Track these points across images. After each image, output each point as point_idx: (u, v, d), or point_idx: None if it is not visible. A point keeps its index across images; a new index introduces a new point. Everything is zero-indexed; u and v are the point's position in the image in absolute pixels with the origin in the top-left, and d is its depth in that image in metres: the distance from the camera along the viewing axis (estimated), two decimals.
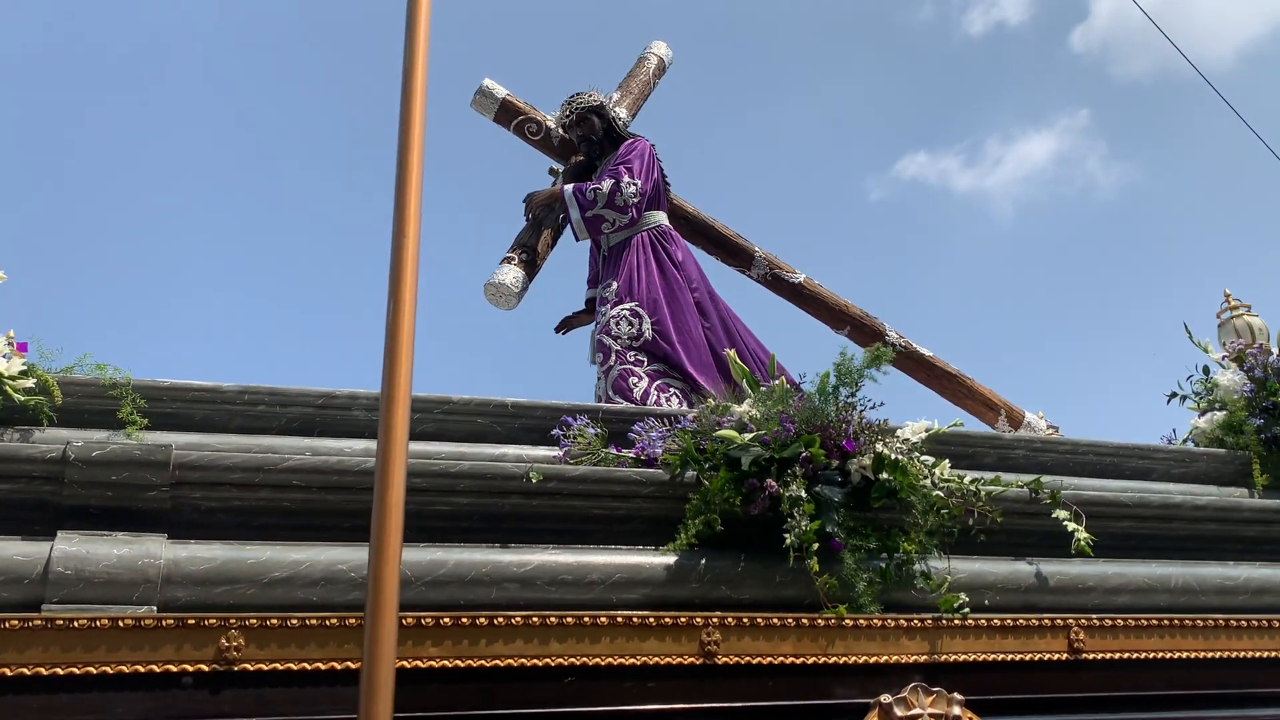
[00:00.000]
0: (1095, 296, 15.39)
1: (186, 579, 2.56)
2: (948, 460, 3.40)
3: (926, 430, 3.60)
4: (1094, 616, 3.17)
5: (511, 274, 4.62)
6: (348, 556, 2.70)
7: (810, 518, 3.00)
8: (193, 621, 2.35)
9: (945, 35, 16.02)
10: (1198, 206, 15.66)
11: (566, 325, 5.13)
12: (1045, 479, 3.55)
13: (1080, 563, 3.45)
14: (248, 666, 2.36)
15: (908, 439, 3.48)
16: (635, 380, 4.33)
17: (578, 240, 4.80)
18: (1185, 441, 4.79)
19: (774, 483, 3.07)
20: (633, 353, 4.41)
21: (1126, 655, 3.14)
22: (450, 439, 3.41)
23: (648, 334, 4.46)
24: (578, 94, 4.99)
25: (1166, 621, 3.23)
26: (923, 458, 3.37)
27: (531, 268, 4.73)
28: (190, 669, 2.33)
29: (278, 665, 2.39)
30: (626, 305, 4.54)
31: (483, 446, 3.40)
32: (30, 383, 2.89)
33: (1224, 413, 4.68)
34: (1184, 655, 3.20)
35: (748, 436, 3.22)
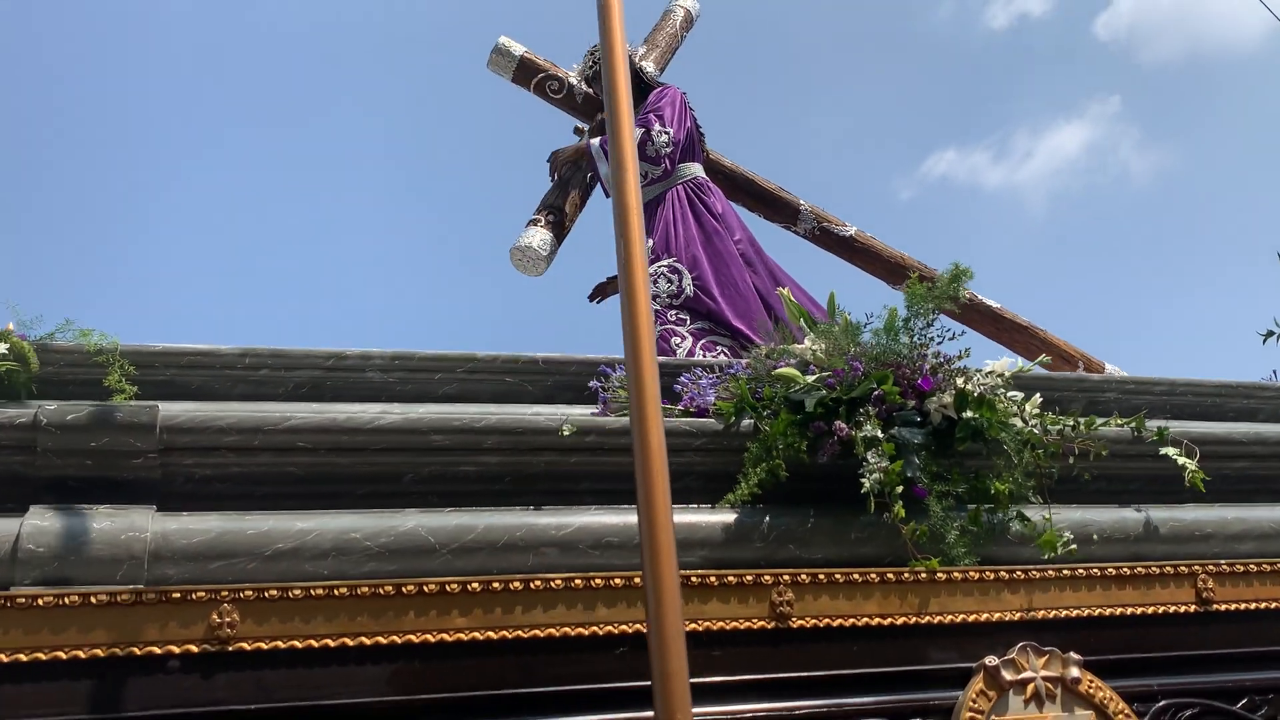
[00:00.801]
0: (1137, 284, 14.85)
1: (178, 554, 2.23)
2: (1039, 395, 2.99)
3: (1011, 368, 3.21)
4: (1223, 563, 2.76)
5: (539, 237, 4.27)
6: (361, 524, 2.36)
7: (890, 459, 2.61)
8: (178, 595, 2.02)
9: (967, 31, 15.61)
10: (1236, 187, 15.08)
11: (601, 293, 4.77)
12: (1167, 423, 3.14)
13: (1195, 508, 3.04)
14: (244, 646, 2.03)
15: (994, 373, 3.09)
16: (679, 340, 3.96)
17: (608, 197, 4.42)
18: None
19: (844, 425, 2.69)
20: (674, 311, 4.05)
21: (1264, 605, 2.72)
22: (476, 400, 3.06)
23: (689, 290, 4.10)
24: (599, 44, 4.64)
25: None
26: (1009, 394, 2.97)
27: (560, 230, 4.38)
28: (177, 650, 1.99)
29: (279, 644, 2.04)
30: (664, 262, 4.18)
31: (513, 407, 3.04)
32: (2, 348, 2.57)
33: None
34: None
35: (810, 378, 2.84)
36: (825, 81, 15.36)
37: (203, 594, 2.03)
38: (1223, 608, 2.68)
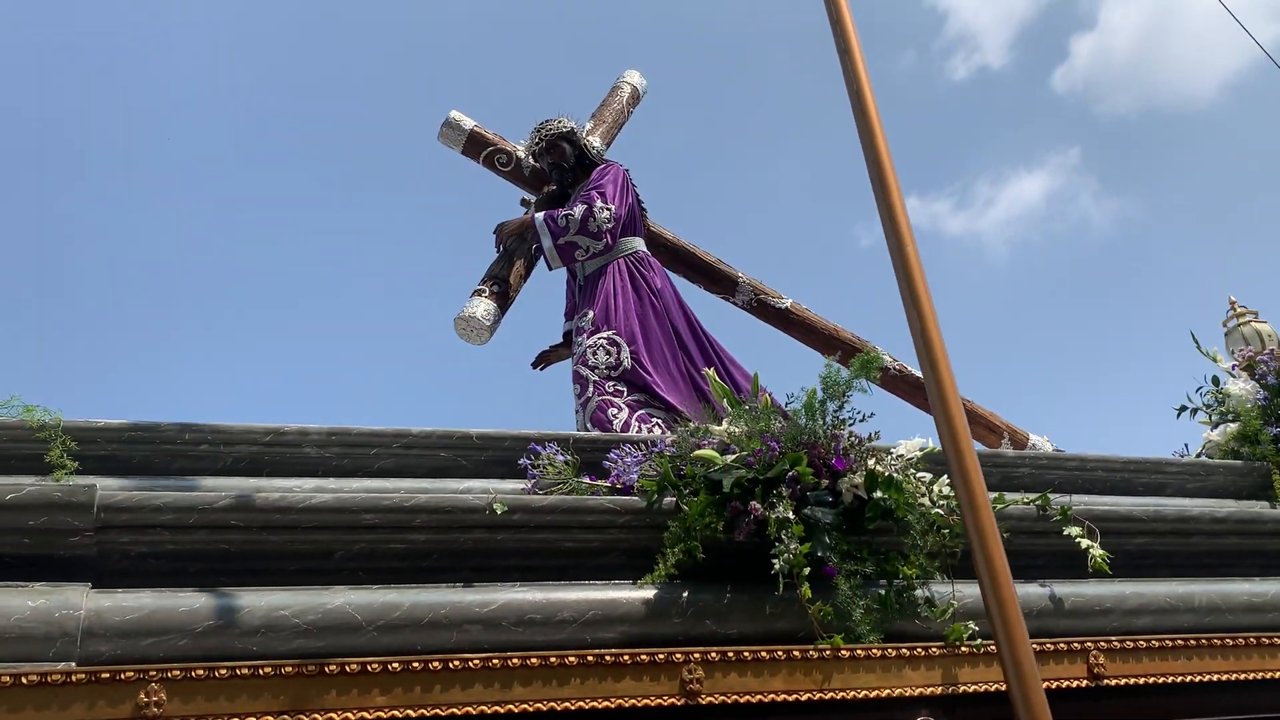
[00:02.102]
0: (1095, 332, 15.23)
1: (110, 631, 2.32)
2: (946, 477, 3.15)
3: (921, 449, 3.37)
4: (1114, 639, 2.91)
5: (483, 307, 4.40)
6: (290, 601, 2.46)
7: (800, 540, 2.75)
8: (107, 675, 2.11)
9: (929, 82, 16.05)
10: (1193, 236, 15.56)
11: (544, 360, 4.91)
12: (1053, 497, 3.32)
13: (1095, 583, 3.20)
14: None
15: (903, 456, 3.25)
16: (615, 411, 4.09)
17: (550, 269, 4.59)
18: (1199, 456, 4.54)
19: (758, 505, 2.83)
20: (611, 383, 4.18)
21: (1152, 679, 2.89)
22: (411, 475, 3.18)
23: (626, 363, 4.24)
24: (547, 120, 4.82)
25: (1194, 641, 2.98)
26: (919, 474, 3.13)
27: (504, 300, 4.52)
28: None
29: None
30: (604, 334, 4.32)
31: (446, 481, 3.15)
32: None
33: (1237, 423, 4.44)
34: (1214, 678, 2.94)
35: (729, 458, 2.99)
36: (787, 129, 15.69)
37: (131, 674, 2.12)
38: (1114, 683, 2.84)
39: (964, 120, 16.26)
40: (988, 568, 2.10)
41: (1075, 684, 2.80)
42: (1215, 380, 4.68)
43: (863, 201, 15.98)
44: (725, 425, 3.11)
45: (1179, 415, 4.84)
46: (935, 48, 16.18)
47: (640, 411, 4.11)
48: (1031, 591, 3.07)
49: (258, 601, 2.44)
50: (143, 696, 2.11)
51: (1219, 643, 2.99)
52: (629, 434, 3.64)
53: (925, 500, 3.04)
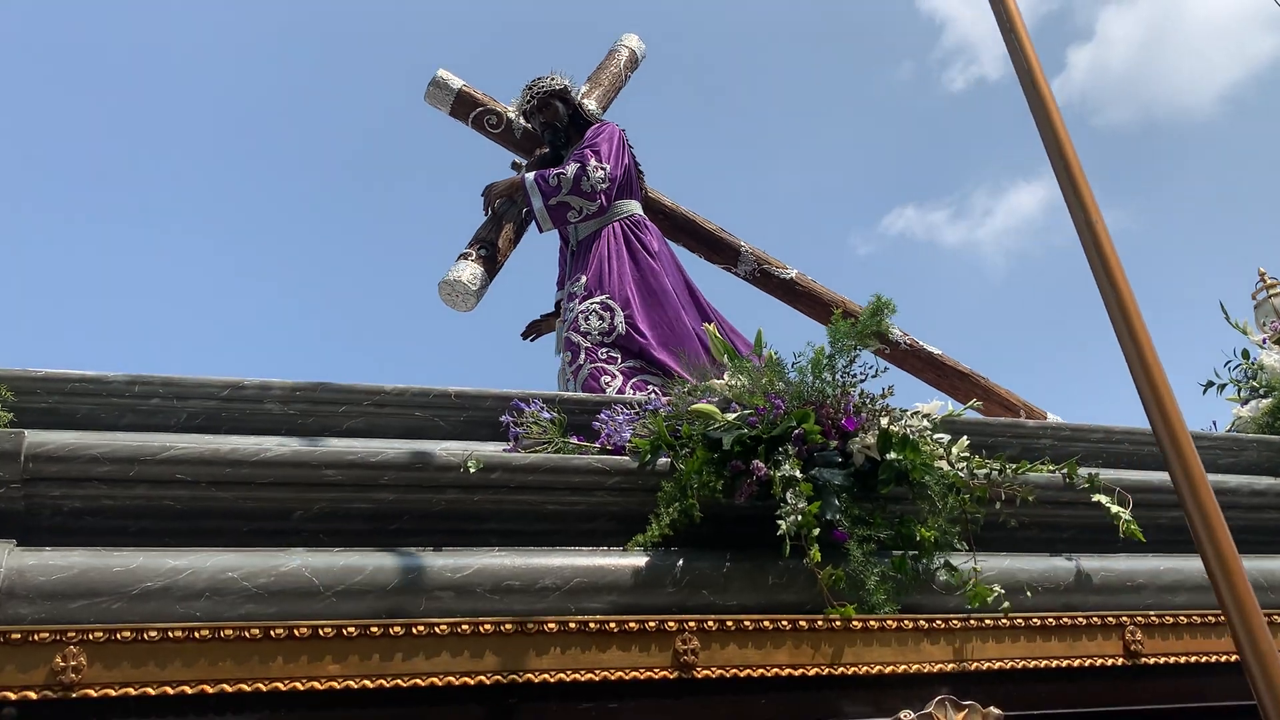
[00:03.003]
0: (1093, 345, 15.01)
1: (34, 592, 2.05)
2: (965, 438, 2.89)
3: (939, 413, 3.11)
4: (1152, 614, 2.65)
5: (469, 271, 4.15)
6: (240, 563, 2.20)
7: (808, 500, 2.50)
8: (18, 637, 1.85)
9: (927, 92, 15.88)
10: (1190, 247, 15.35)
11: (535, 330, 4.65)
12: (1098, 470, 3.05)
13: (1127, 557, 2.94)
14: (90, 692, 1.86)
15: (926, 416, 2.99)
16: (608, 379, 3.83)
17: (541, 232, 4.33)
18: (1229, 433, 4.28)
19: (762, 464, 2.57)
20: (604, 349, 3.93)
21: (1193, 658, 2.62)
22: (384, 435, 2.92)
23: (620, 328, 3.98)
24: (539, 78, 4.57)
25: None
26: (936, 435, 2.87)
27: (492, 264, 4.26)
28: (14, 697, 1.82)
29: (130, 690, 1.88)
30: (597, 299, 4.06)
31: (422, 443, 2.89)
32: None
33: (1270, 398, 4.18)
34: None
35: (731, 416, 2.73)
36: (786, 138, 15.51)
37: (46, 635, 1.86)
38: (1151, 661, 2.58)
39: (962, 131, 16.08)
40: (1211, 542, 1.93)
41: (1110, 662, 2.53)
42: (1245, 354, 4.43)
43: (859, 211, 15.79)
44: (726, 380, 2.86)
45: (1205, 391, 4.58)
46: (933, 58, 16.00)
47: (635, 379, 3.86)
48: (1059, 565, 2.82)
49: (203, 563, 2.18)
50: (59, 661, 1.85)
51: (1272, 619, 2.72)
52: (621, 395, 3.39)
53: (944, 463, 2.78)
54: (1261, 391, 4.28)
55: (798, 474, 2.54)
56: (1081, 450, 3.67)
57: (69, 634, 1.87)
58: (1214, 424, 4.49)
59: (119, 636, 1.89)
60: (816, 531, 2.45)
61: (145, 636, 1.90)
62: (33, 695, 1.82)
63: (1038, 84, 2.46)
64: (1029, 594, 2.68)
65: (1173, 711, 2.54)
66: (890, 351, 4.91)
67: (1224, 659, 2.64)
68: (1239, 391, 4.46)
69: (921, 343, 4.88)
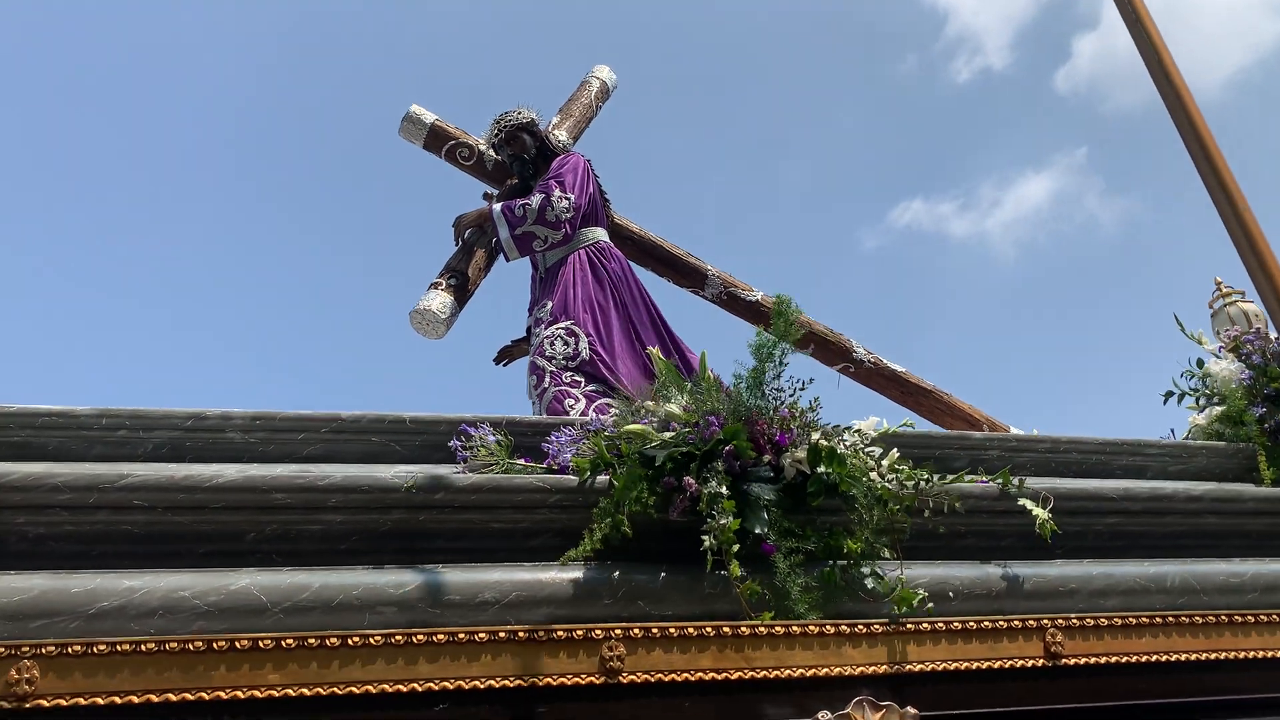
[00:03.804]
0: (1102, 332, 15.04)
1: None
2: (896, 451, 3.01)
3: (877, 430, 3.24)
4: (1073, 616, 2.76)
5: (438, 300, 4.30)
6: (192, 582, 2.34)
7: (733, 515, 2.62)
8: None
9: (931, 85, 16.01)
10: (1200, 234, 15.39)
11: (506, 355, 4.80)
12: (1025, 478, 3.15)
13: (1061, 563, 3.05)
14: (42, 703, 2.00)
15: (859, 432, 3.12)
16: (572, 402, 3.97)
17: (508, 261, 4.48)
18: (1182, 440, 4.37)
19: (693, 480, 2.70)
20: (569, 373, 4.07)
21: (1113, 659, 2.73)
22: (341, 460, 3.05)
23: (585, 353, 4.12)
24: (506, 112, 4.74)
25: (1159, 619, 2.82)
26: (867, 449, 2.99)
27: (462, 293, 4.41)
28: None
29: (80, 700, 2.02)
30: (562, 324, 4.21)
31: (378, 467, 3.03)
32: None
33: (1222, 406, 4.28)
34: (1181, 657, 2.78)
35: (667, 435, 2.86)
36: (789, 134, 15.65)
37: (1, 649, 2.00)
38: (1072, 662, 2.68)
39: (968, 122, 16.19)
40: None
41: (1030, 663, 2.64)
42: (1200, 362, 4.52)
43: (866, 204, 15.90)
44: (668, 405, 2.99)
45: (1165, 401, 4.68)
46: (936, 50, 16.14)
47: (599, 401, 3.99)
48: (990, 572, 2.92)
49: (156, 583, 2.32)
50: (13, 673, 1.99)
51: (1186, 620, 2.83)
52: (566, 417, 3.52)
53: (874, 475, 2.90)
54: (1215, 399, 4.38)
55: (724, 490, 2.66)
56: (1028, 460, 3.78)
57: (23, 648, 2.01)
58: (1171, 432, 4.59)
59: (70, 650, 2.03)
60: (736, 547, 2.56)
61: (95, 650, 2.04)
62: None
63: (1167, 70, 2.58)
64: (955, 600, 2.79)
65: (1091, 710, 2.64)
66: (855, 370, 5.04)
67: (1145, 659, 2.75)
68: (1197, 400, 4.56)
69: (885, 360, 5.01)
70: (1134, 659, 2.74)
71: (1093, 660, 2.70)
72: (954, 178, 16.31)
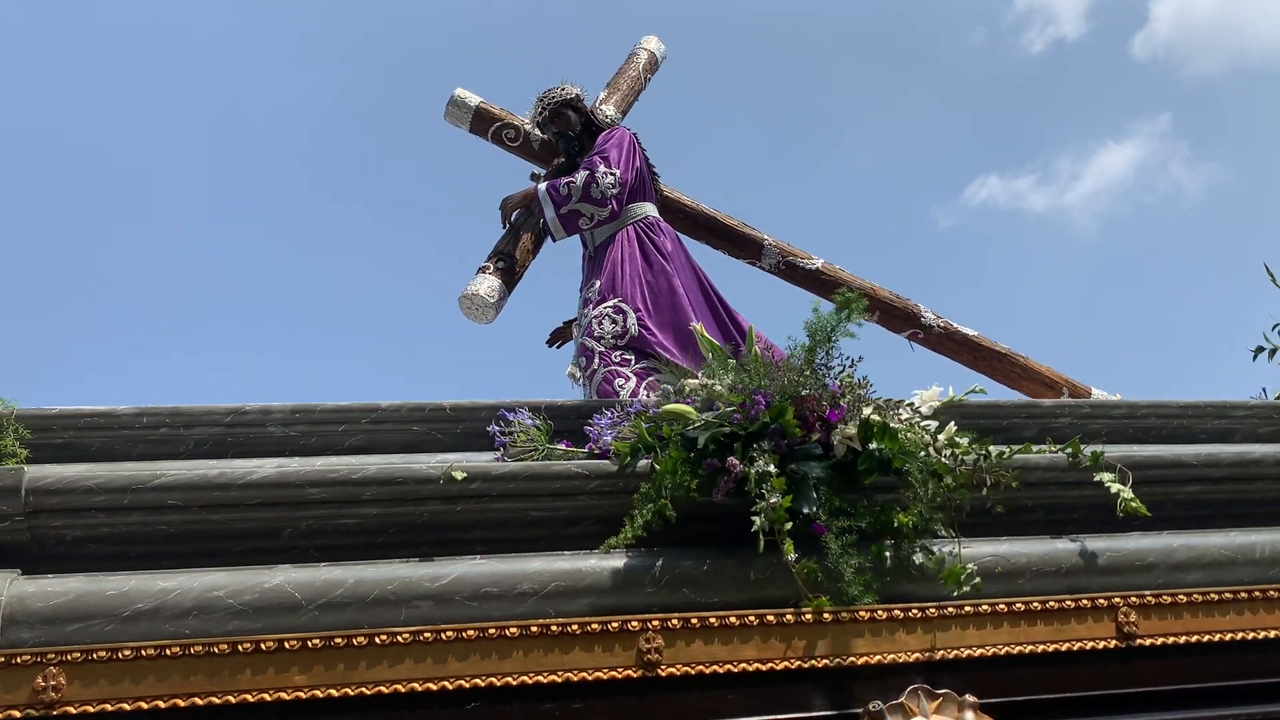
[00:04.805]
0: (1190, 304, 14.43)
1: (33, 617, 2.20)
2: (953, 424, 2.86)
3: (940, 399, 3.08)
4: (1148, 593, 2.59)
5: (486, 284, 4.25)
6: (226, 581, 2.31)
7: (783, 494, 2.51)
8: (1, 660, 1.99)
9: (1002, 57, 15.47)
10: None
11: (559, 337, 4.73)
12: (1098, 448, 2.97)
13: (1139, 536, 2.86)
14: (70, 710, 2.00)
15: (916, 408, 2.97)
16: (622, 382, 3.88)
17: (554, 241, 4.40)
18: (1273, 400, 4.11)
19: (737, 461, 2.59)
20: (618, 352, 3.97)
21: (1193, 638, 2.55)
22: (383, 451, 3.02)
23: (633, 330, 4.02)
24: (550, 89, 4.64)
25: (1244, 594, 2.63)
26: (924, 423, 2.84)
27: (510, 276, 4.35)
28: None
29: (107, 706, 2.01)
30: (609, 302, 4.11)
31: (420, 456, 2.99)
32: None
33: None
34: (1269, 634, 2.58)
35: (710, 415, 2.75)
36: (858, 112, 15.31)
37: (28, 657, 2.00)
38: (1147, 643, 2.52)
39: (1043, 94, 15.64)
40: None
41: (1101, 645, 2.48)
42: None
43: (938, 183, 15.49)
44: (711, 384, 2.88)
45: (1255, 357, 4.41)
46: (1006, 22, 15.59)
47: (651, 379, 3.89)
48: (1061, 548, 2.76)
49: (191, 583, 2.30)
50: (40, 681, 1.99)
51: (1276, 594, 2.64)
52: (608, 399, 3.43)
53: (930, 450, 2.76)
54: None
55: (772, 469, 2.55)
56: (1103, 427, 3.59)
57: (48, 655, 2.01)
58: (1263, 391, 4.32)
59: (95, 656, 2.02)
60: (789, 526, 2.45)
61: (120, 655, 2.03)
62: (16, 714, 1.96)
63: None
64: (1024, 578, 2.64)
65: (1168, 693, 2.47)
66: (925, 336, 4.85)
67: (1227, 637, 2.57)
68: None
69: (956, 325, 4.81)
70: (1215, 638, 2.56)
71: (1170, 640, 2.53)
72: (1030, 152, 15.77)
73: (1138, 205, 15.42)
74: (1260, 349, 4.40)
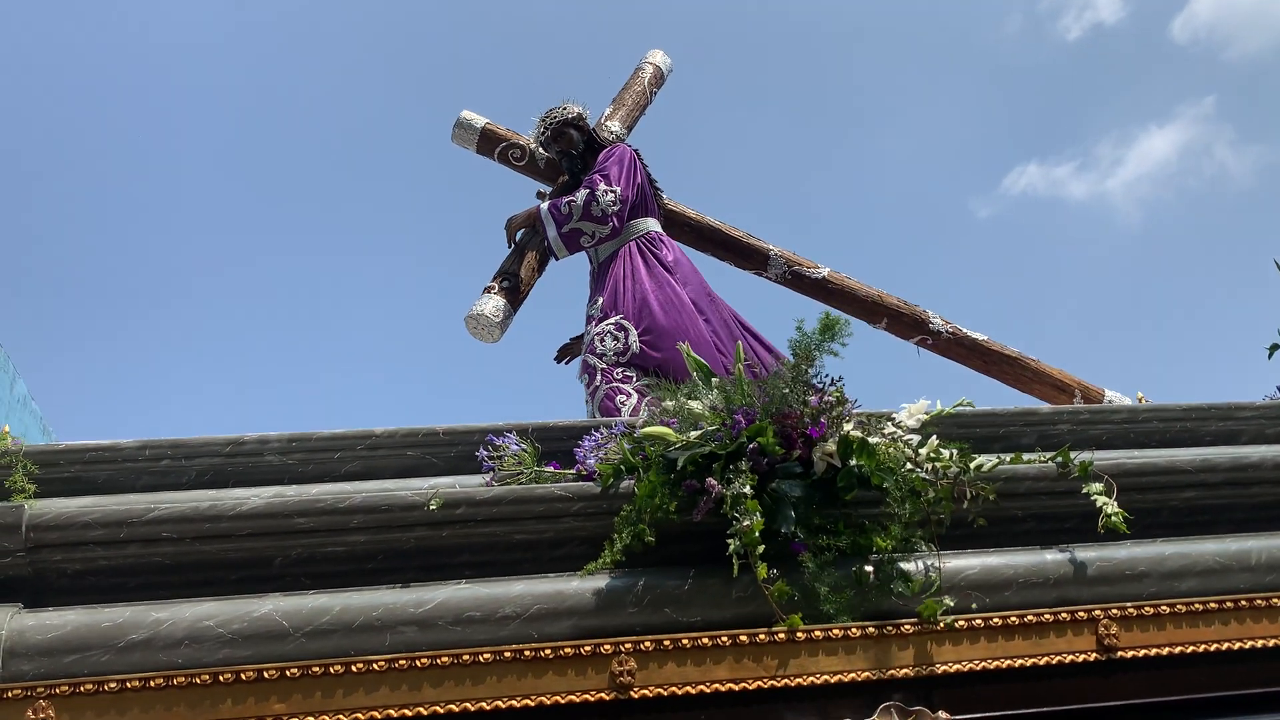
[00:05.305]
0: (1239, 290, 14.14)
1: (33, 650, 2.30)
2: (935, 438, 2.86)
3: (927, 412, 3.09)
4: (1129, 605, 2.58)
5: (491, 304, 4.32)
6: (216, 611, 2.40)
7: (760, 515, 2.53)
8: None
9: (1039, 44, 15.28)
10: None
11: (567, 353, 4.79)
12: (1088, 457, 2.95)
13: (1131, 544, 2.84)
14: None
15: (903, 423, 2.98)
16: (624, 399, 3.93)
17: (557, 259, 4.46)
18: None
19: (715, 482, 2.62)
20: (620, 369, 4.02)
21: (1177, 649, 2.54)
22: (380, 477, 3.08)
23: (635, 347, 4.07)
24: (552, 109, 4.70)
25: (1230, 604, 2.61)
26: (907, 437, 2.85)
27: (515, 295, 4.41)
28: None
29: None
30: (611, 320, 4.16)
31: (414, 481, 3.05)
32: None
33: None
34: (1256, 644, 2.56)
35: (692, 434, 2.79)
36: (892, 104, 15.22)
37: (19, 691, 2.09)
38: (1128, 655, 2.51)
39: (1081, 80, 15.42)
40: None
41: (1081, 658, 2.48)
42: None
43: (976, 172, 15.32)
44: (690, 403, 2.91)
45: (1271, 355, 4.34)
46: (1042, 8, 15.38)
47: (651, 396, 3.93)
48: (1049, 558, 2.75)
49: (183, 613, 2.39)
50: (30, 714, 2.08)
51: (1263, 603, 2.62)
52: (598, 419, 3.47)
53: (910, 465, 2.77)
54: None
55: (747, 490, 2.58)
56: (1103, 433, 3.56)
57: (37, 689, 2.10)
58: (1278, 390, 4.25)
59: (82, 689, 2.11)
60: (762, 548, 2.48)
61: (106, 688, 2.11)
62: None
63: None
64: (1009, 590, 2.65)
65: (1150, 706, 2.46)
66: (933, 342, 4.84)
67: (1213, 648, 2.55)
68: None
69: (964, 330, 4.79)
70: (1200, 649, 2.54)
71: (1152, 652, 2.52)
72: (1070, 139, 15.57)
73: (1182, 190, 15.16)
74: (1276, 346, 4.33)
